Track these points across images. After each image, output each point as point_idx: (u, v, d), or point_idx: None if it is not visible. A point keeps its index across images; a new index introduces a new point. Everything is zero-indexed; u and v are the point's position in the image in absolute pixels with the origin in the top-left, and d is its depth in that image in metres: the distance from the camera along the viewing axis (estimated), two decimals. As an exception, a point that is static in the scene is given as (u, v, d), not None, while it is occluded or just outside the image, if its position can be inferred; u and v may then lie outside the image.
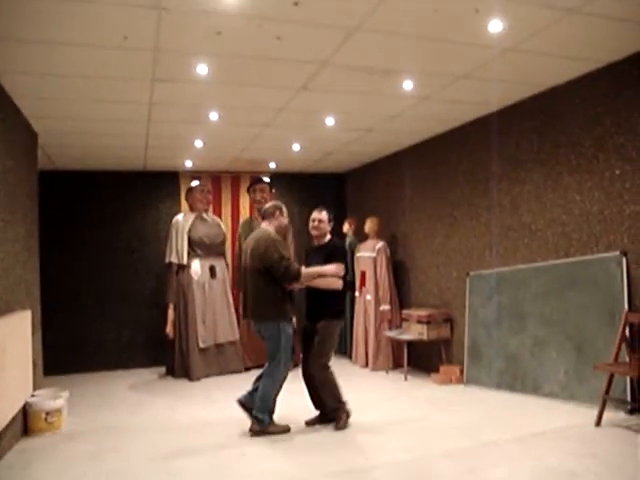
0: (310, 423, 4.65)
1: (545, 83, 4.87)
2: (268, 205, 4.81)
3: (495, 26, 3.59)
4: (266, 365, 4.55)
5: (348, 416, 4.60)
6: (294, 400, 4.84)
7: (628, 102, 4.30)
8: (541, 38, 3.81)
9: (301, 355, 4.83)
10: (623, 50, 4.17)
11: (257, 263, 4.46)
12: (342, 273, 4.60)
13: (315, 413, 4.71)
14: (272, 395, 4.43)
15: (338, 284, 4.59)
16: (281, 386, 4.50)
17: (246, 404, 4.48)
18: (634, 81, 4.24)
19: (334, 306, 4.66)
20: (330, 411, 4.60)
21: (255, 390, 4.48)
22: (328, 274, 4.56)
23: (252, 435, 4.38)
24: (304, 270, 4.52)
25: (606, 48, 4.12)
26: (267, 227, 4.65)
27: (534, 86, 4.93)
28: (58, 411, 4.68)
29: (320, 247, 4.79)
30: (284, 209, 4.75)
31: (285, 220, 4.76)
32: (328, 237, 4.81)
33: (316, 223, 4.76)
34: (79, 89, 4.48)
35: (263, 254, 4.43)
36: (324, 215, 4.76)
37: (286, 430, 4.44)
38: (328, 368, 4.65)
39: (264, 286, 4.45)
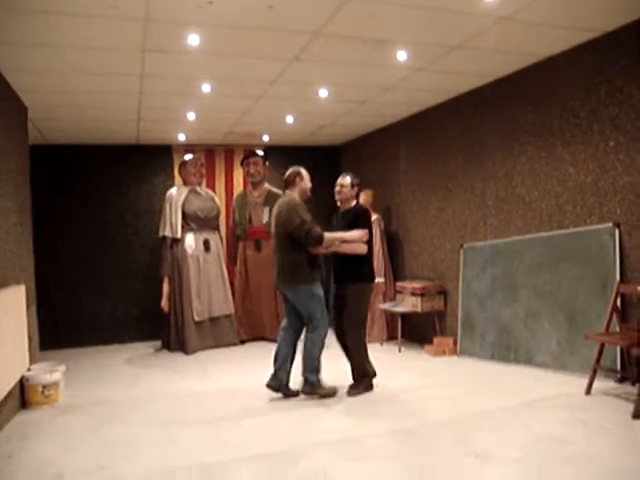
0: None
1: (540, 53, 4.82)
2: (288, 172, 4.78)
3: (490, -6, 3.55)
4: (305, 328, 4.65)
5: (367, 389, 4.70)
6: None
7: (623, 72, 4.27)
8: (537, 7, 3.77)
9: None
10: (618, 19, 4.13)
11: (281, 229, 4.57)
12: (366, 238, 4.61)
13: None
14: (317, 355, 4.55)
15: (362, 249, 4.62)
16: (324, 344, 4.60)
17: (274, 386, 4.61)
18: (629, 51, 4.20)
19: (361, 269, 4.70)
20: (355, 376, 4.71)
21: (278, 370, 4.61)
22: (351, 239, 4.59)
23: (304, 395, 4.56)
24: (327, 234, 4.52)
25: (601, 17, 4.08)
26: (291, 193, 4.72)
27: (529, 56, 4.89)
28: (55, 384, 4.72)
29: (345, 212, 4.85)
30: (304, 173, 4.76)
31: (307, 184, 4.76)
32: (353, 202, 4.87)
33: (338, 188, 4.86)
34: (68, 61, 4.40)
35: (285, 220, 4.52)
36: (347, 180, 4.83)
37: (333, 393, 4.57)
38: (363, 335, 4.75)
39: (288, 251, 4.55)
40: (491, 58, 4.83)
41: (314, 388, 4.54)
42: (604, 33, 4.35)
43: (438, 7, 3.73)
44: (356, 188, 4.85)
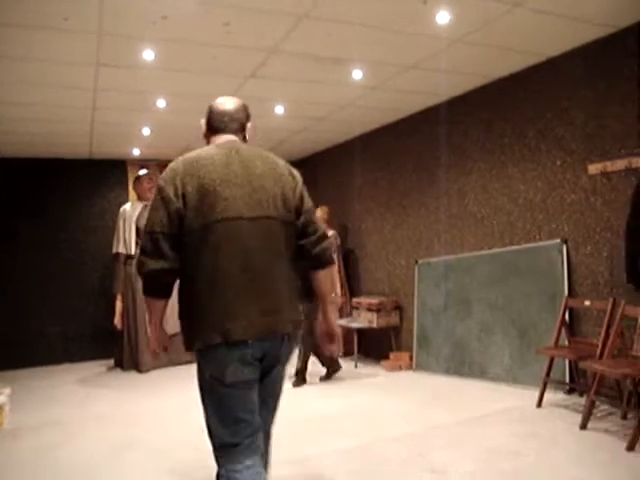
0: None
1: (491, 75, 4.98)
2: (235, 105, 2.37)
3: (443, 17, 3.65)
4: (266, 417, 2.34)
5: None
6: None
7: (568, 95, 4.45)
8: (487, 30, 3.90)
9: None
10: (563, 45, 4.31)
11: (291, 207, 2.25)
12: None
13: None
14: None
15: None
16: None
17: None
18: (573, 76, 4.39)
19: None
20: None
21: None
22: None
23: None
24: None
25: (548, 43, 4.25)
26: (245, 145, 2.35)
27: (481, 77, 5.03)
28: None
29: None
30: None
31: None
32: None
33: None
34: (20, 72, 4.30)
35: (297, 194, 2.31)
36: None
37: None
38: None
39: (291, 261, 2.23)
40: (444, 78, 4.94)
41: None
42: (550, 58, 4.52)
43: (392, 28, 3.81)
44: None
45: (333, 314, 2.40)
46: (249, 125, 2.40)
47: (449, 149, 5.72)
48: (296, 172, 2.34)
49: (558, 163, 4.57)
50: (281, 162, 2.32)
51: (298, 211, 2.25)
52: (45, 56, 4.01)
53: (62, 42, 3.76)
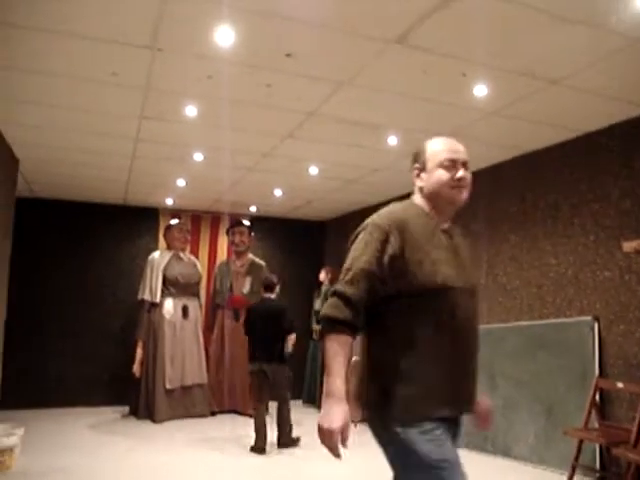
0: None
1: (526, 147, 5.00)
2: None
3: (480, 90, 3.71)
4: None
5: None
6: None
7: (603, 170, 4.43)
8: (523, 105, 3.95)
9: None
10: (599, 122, 4.33)
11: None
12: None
13: None
14: None
15: None
16: None
17: None
18: (608, 151, 4.39)
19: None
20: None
21: None
22: None
23: None
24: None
25: (584, 119, 4.28)
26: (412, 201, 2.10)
27: (515, 149, 5.06)
28: (10, 450, 4.43)
29: None
30: (437, 147, 2.11)
31: (437, 176, 2.07)
32: None
33: None
34: (66, 119, 4.47)
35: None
36: None
37: None
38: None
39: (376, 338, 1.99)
40: (478, 148, 4.97)
41: None
42: (585, 133, 4.54)
43: (431, 98, 3.89)
44: None
45: (325, 405, 1.81)
46: (415, 167, 2.08)
47: (480, 218, 5.69)
48: (362, 228, 2.06)
49: (591, 238, 4.50)
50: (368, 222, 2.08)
51: None
52: (92, 106, 4.17)
53: (110, 95, 3.91)
